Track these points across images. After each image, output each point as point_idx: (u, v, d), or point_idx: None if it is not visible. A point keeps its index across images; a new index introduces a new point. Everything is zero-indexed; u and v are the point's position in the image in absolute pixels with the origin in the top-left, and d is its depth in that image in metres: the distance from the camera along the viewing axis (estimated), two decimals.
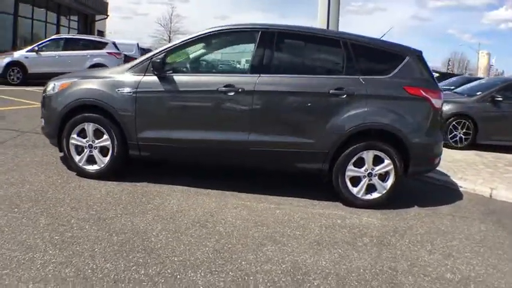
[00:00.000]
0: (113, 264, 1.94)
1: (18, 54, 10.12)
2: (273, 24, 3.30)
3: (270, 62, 3.15)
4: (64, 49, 10.53)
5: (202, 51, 3.40)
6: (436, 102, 3.21)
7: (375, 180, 3.16)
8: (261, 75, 3.10)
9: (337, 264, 2.14)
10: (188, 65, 3.35)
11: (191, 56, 3.35)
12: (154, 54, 3.18)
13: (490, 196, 3.82)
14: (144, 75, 3.14)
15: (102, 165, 3.25)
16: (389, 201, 3.18)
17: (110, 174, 3.25)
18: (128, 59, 9.96)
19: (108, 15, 24.88)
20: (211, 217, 2.69)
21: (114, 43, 11.35)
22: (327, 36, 3.31)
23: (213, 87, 3.08)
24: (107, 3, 24.78)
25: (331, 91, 3.06)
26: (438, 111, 3.28)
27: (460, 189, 3.99)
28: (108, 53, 10.78)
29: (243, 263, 2.07)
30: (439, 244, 2.54)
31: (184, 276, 1.88)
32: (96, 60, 10.38)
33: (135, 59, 3.58)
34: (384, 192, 3.16)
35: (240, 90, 3.05)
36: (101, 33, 24.92)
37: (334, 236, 2.52)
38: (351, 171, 3.13)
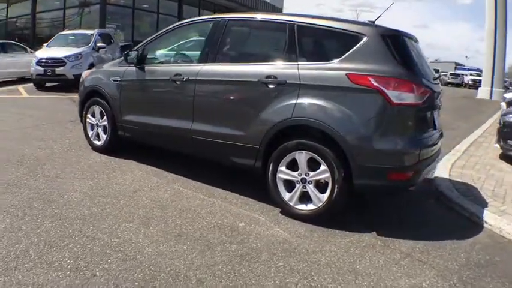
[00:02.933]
0: (17, 202, 2.76)
1: None
2: (230, 14, 3.46)
3: (217, 51, 3.28)
4: None
5: (170, 43, 3.91)
6: (396, 96, 2.53)
7: (309, 189, 2.82)
8: (206, 64, 3.34)
9: (157, 256, 2.21)
10: (157, 57, 3.86)
11: (161, 48, 3.90)
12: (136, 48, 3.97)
13: None
14: (129, 66, 3.96)
15: (102, 142, 4.31)
16: (339, 218, 2.78)
17: (109, 149, 4.23)
18: None
19: None
20: (134, 194, 3.17)
21: None
22: (273, 20, 3.12)
23: (167, 76, 3.52)
24: (280, 9, 28.21)
25: (261, 80, 2.95)
26: (404, 108, 2.58)
27: (485, 225, 2.95)
28: None
29: (91, 227, 2.46)
30: (312, 281, 2.07)
31: (41, 223, 2.47)
32: None
33: None
34: (320, 205, 2.77)
35: (185, 79, 3.38)
36: None
37: (206, 235, 2.50)
38: (283, 173, 2.89)
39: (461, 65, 55.23)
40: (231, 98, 3.16)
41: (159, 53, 3.88)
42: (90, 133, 4.42)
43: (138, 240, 2.40)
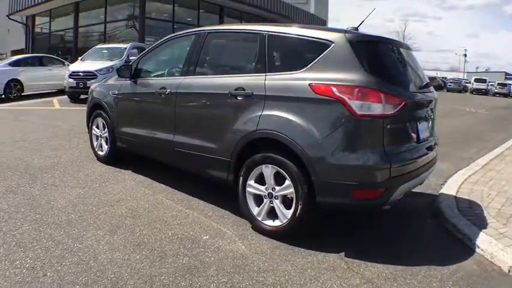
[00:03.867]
0: (7, 206, 3.16)
1: None
2: (211, 27, 3.68)
3: (196, 64, 3.50)
4: None
5: (160, 57, 4.19)
6: (359, 106, 2.51)
7: (276, 204, 2.87)
8: (186, 77, 3.57)
9: (108, 263, 2.43)
10: (148, 71, 4.16)
11: (151, 62, 4.19)
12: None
13: (509, 271, 2.47)
14: (125, 80, 4.32)
15: (104, 152, 4.72)
16: (306, 235, 2.82)
17: (110, 160, 4.63)
18: None
19: None
20: (116, 203, 3.44)
21: None
22: (247, 31, 3.26)
23: (154, 89, 3.81)
24: (324, 21, 29.09)
25: (231, 92, 3.08)
26: (371, 119, 2.53)
27: (476, 249, 2.79)
28: None
29: (61, 232, 2.77)
30: None
31: (20, 226, 2.81)
32: None
33: None
34: (285, 221, 2.80)
35: (167, 92, 3.64)
36: None
37: (165, 246, 2.67)
38: (252, 187, 2.98)
39: (511, 75, 53.07)
40: (206, 110, 3.34)
41: (150, 66, 4.19)
42: (95, 144, 4.86)
43: (99, 247, 2.64)
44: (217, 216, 3.28)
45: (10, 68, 10.96)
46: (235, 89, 3.07)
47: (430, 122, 3.24)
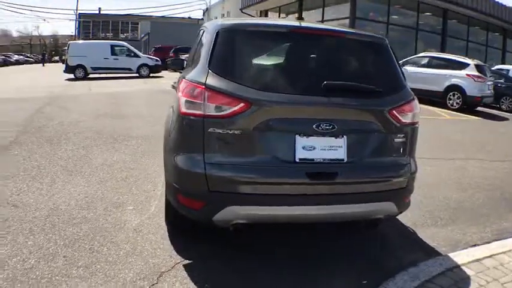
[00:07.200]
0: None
1: None
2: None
3: (193, 58, 4.14)
4: (427, 67, 12.90)
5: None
6: (183, 103, 2.60)
7: None
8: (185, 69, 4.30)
9: (40, 191, 3.55)
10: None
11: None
12: None
13: None
14: None
15: None
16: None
17: None
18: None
19: None
20: (123, 163, 4.65)
21: (477, 65, 12.32)
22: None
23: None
24: None
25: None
26: (192, 119, 2.52)
27: None
28: (466, 74, 12.00)
29: (57, 173, 4.16)
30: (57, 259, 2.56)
31: (30, 156, 4.45)
32: (453, 81, 12.11)
33: None
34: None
35: None
36: None
37: (93, 202, 3.55)
38: None
39: None
40: None
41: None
42: None
43: (56, 183, 3.91)
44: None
45: None
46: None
47: (349, 140, 2.60)
